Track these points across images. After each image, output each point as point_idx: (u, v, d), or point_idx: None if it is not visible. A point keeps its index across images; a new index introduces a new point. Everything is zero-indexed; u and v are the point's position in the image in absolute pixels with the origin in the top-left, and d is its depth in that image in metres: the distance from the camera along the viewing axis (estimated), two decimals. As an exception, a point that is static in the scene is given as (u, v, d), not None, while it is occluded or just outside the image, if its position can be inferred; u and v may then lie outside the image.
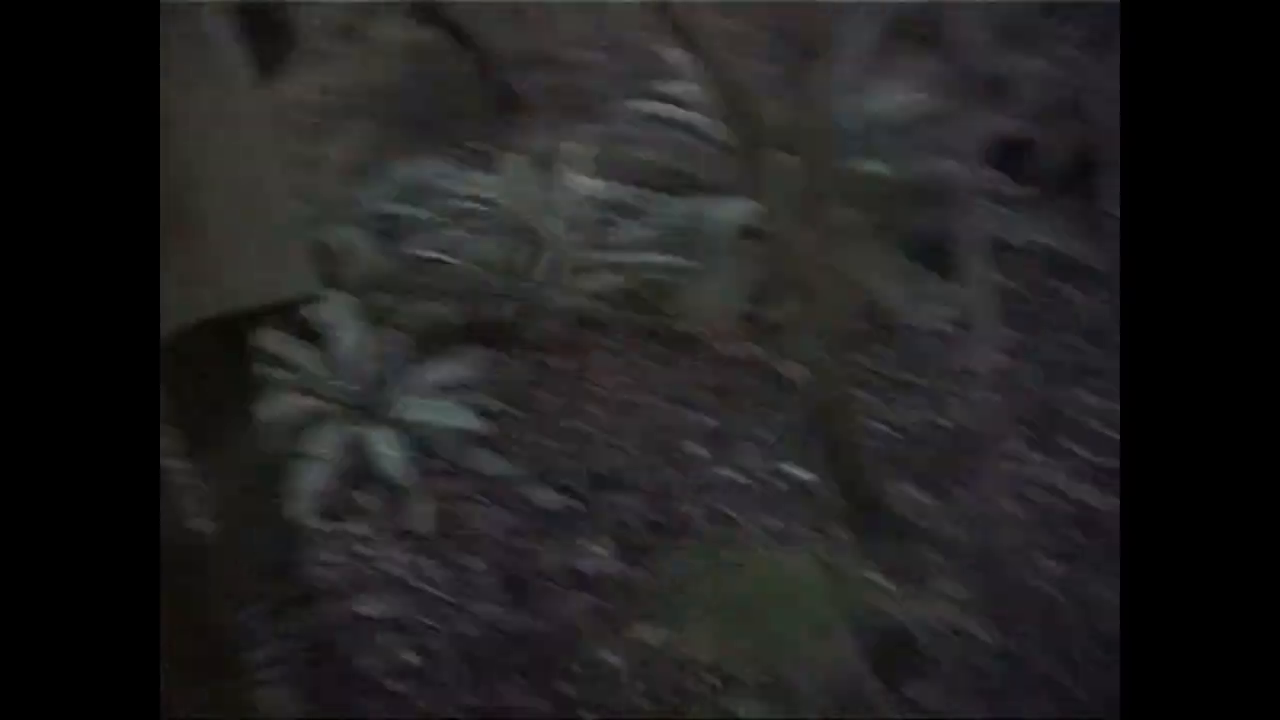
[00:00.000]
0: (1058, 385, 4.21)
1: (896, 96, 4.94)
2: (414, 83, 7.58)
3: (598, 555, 3.65)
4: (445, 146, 6.93)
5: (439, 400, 4.16)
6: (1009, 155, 4.56)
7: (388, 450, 3.93)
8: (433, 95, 7.49)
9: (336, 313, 4.44)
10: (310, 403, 4.09)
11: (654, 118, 5.25)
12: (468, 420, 4.04)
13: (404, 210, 5.19)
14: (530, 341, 4.64)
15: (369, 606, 3.49)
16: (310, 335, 4.34)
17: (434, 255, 4.79)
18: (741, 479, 3.94)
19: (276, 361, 4.04)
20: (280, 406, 3.89)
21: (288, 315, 3.78)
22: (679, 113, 5.12)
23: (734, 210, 4.55)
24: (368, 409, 4.12)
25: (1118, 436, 3.69)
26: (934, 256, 4.51)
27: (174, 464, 2.79)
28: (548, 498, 3.91)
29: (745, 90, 3.26)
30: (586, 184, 5.08)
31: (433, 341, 4.57)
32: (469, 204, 5.22)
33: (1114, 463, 3.66)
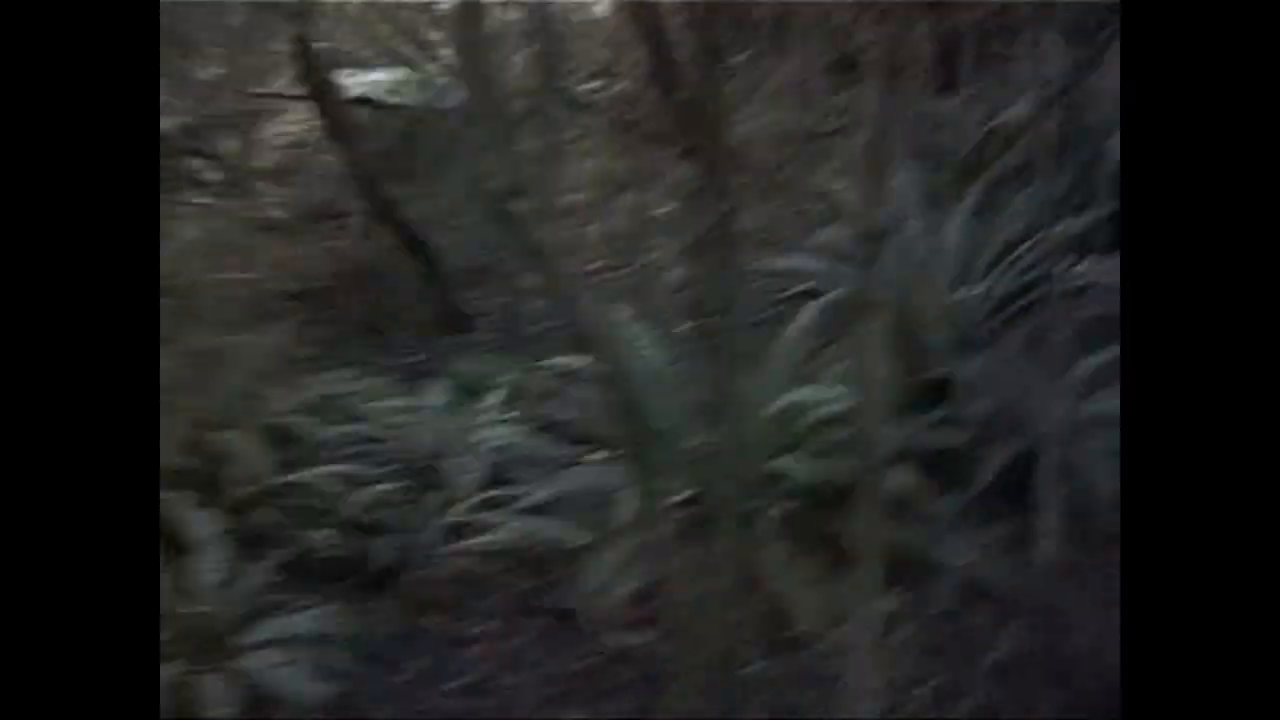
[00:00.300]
0: None
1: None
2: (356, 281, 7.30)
3: None
4: (376, 355, 6.66)
5: (283, 652, 3.71)
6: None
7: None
8: (375, 299, 7.20)
9: (205, 530, 4.07)
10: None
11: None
12: (302, 687, 3.59)
13: (307, 425, 4.86)
14: (405, 594, 4.23)
15: None
16: (177, 547, 3.96)
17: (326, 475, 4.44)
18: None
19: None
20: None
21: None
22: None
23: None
24: (213, 650, 3.69)
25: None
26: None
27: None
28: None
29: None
30: (503, 432, 4.75)
31: (300, 575, 4.19)
32: (377, 430, 4.89)
33: None
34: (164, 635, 3.58)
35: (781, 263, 5.43)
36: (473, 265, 7.48)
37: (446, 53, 10.06)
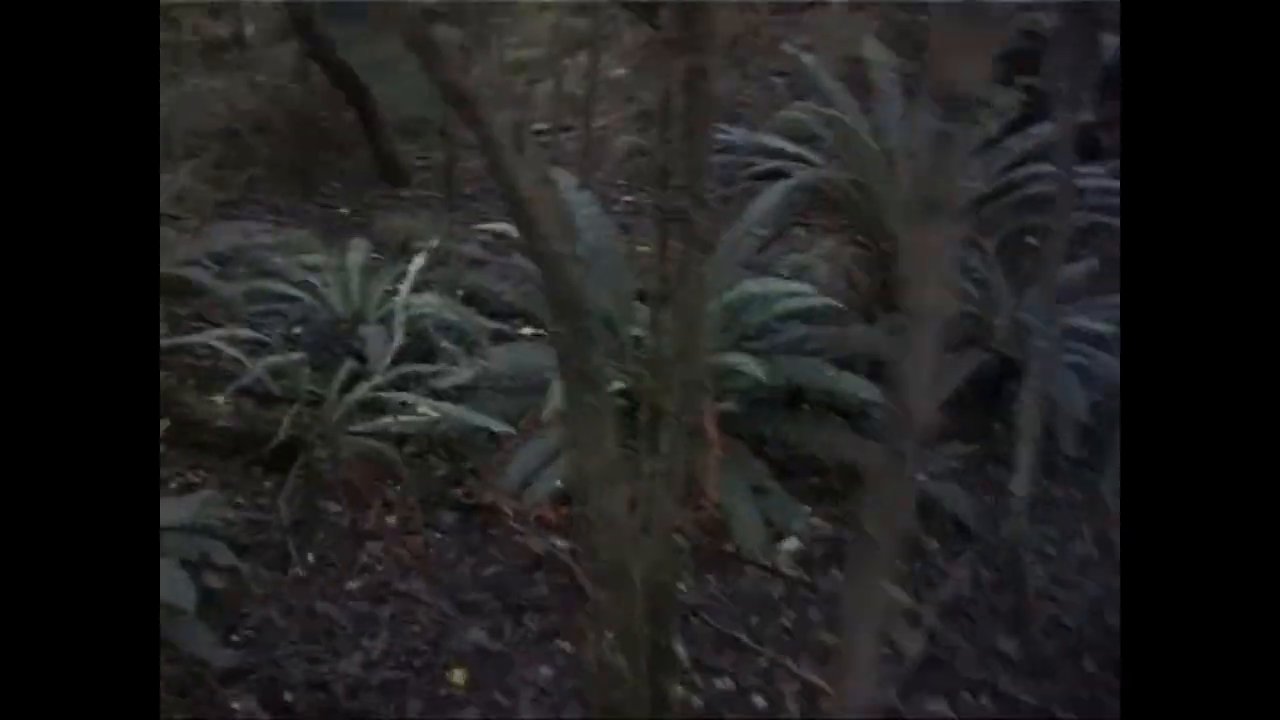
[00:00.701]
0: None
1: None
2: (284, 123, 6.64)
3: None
4: (298, 203, 6.05)
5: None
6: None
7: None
8: (303, 144, 6.56)
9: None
10: None
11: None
12: (178, 590, 3.03)
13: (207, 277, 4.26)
14: (303, 475, 3.68)
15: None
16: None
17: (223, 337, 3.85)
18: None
19: None
20: None
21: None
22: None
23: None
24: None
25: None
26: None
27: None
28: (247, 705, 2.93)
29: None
30: (426, 300, 4.18)
31: (187, 448, 3.66)
32: (287, 288, 4.31)
33: None
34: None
35: (745, 138, 4.85)
36: (412, 118, 6.85)
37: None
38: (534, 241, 2.10)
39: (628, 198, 6.02)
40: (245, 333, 3.79)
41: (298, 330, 4.31)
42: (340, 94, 6.63)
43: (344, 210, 5.93)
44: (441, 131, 5.86)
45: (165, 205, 4.56)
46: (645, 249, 3.68)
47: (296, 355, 3.75)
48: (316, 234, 5.12)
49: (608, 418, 2.49)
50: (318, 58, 6.56)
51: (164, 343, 3.66)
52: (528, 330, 4.39)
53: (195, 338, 3.85)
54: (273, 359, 3.71)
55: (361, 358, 3.95)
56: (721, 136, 4.61)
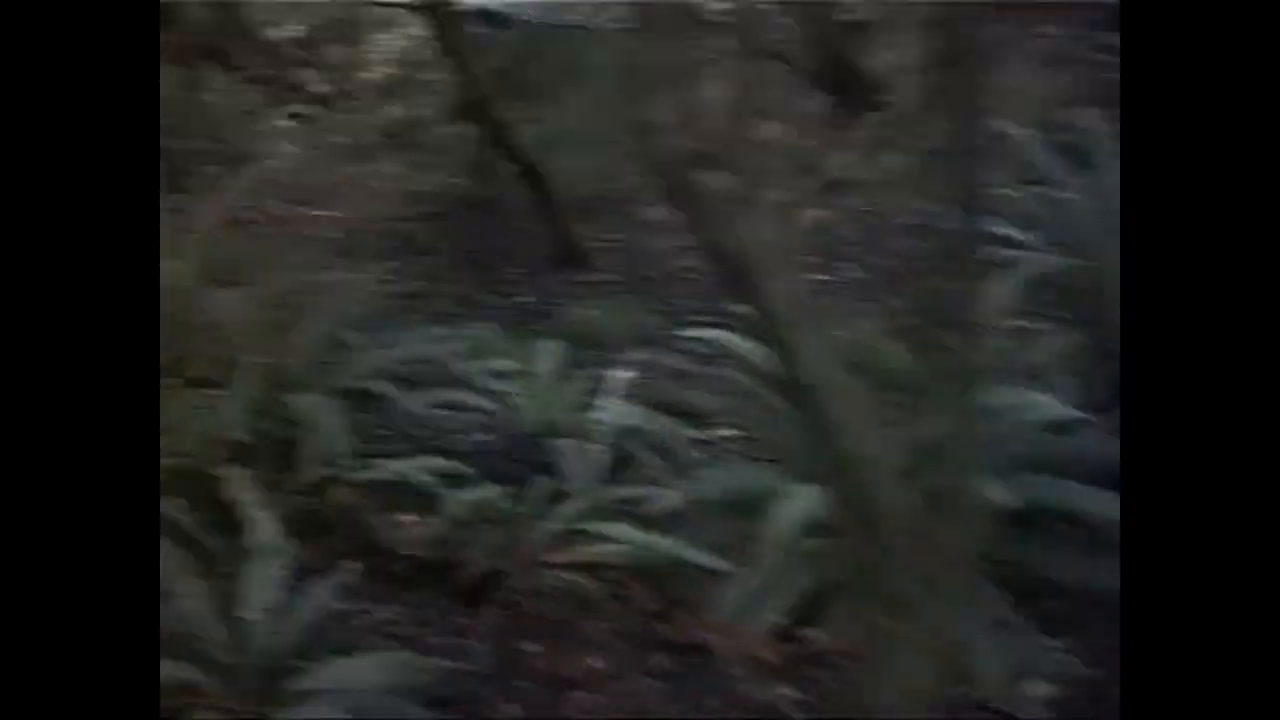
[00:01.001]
0: None
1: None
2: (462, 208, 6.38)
3: None
4: (481, 293, 5.76)
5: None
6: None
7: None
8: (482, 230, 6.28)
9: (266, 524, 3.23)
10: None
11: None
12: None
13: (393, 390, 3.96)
14: (498, 611, 3.33)
15: None
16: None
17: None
18: None
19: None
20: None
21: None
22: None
23: (799, 505, 3.17)
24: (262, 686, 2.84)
25: None
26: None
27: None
28: None
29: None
30: (627, 410, 3.81)
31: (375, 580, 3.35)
32: (476, 398, 3.99)
33: None
34: (197, 672, 2.79)
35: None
36: (591, 195, 6.52)
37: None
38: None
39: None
40: (438, 461, 3.47)
41: (486, 438, 3.99)
42: (514, 174, 6.34)
43: (525, 298, 5.62)
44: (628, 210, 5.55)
45: (348, 308, 4.31)
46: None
47: (491, 488, 3.40)
48: (500, 328, 4.80)
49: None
50: (493, 138, 6.30)
51: (359, 474, 3.41)
52: (732, 438, 3.98)
53: (392, 464, 3.54)
54: (467, 495, 3.37)
55: (555, 474, 3.61)
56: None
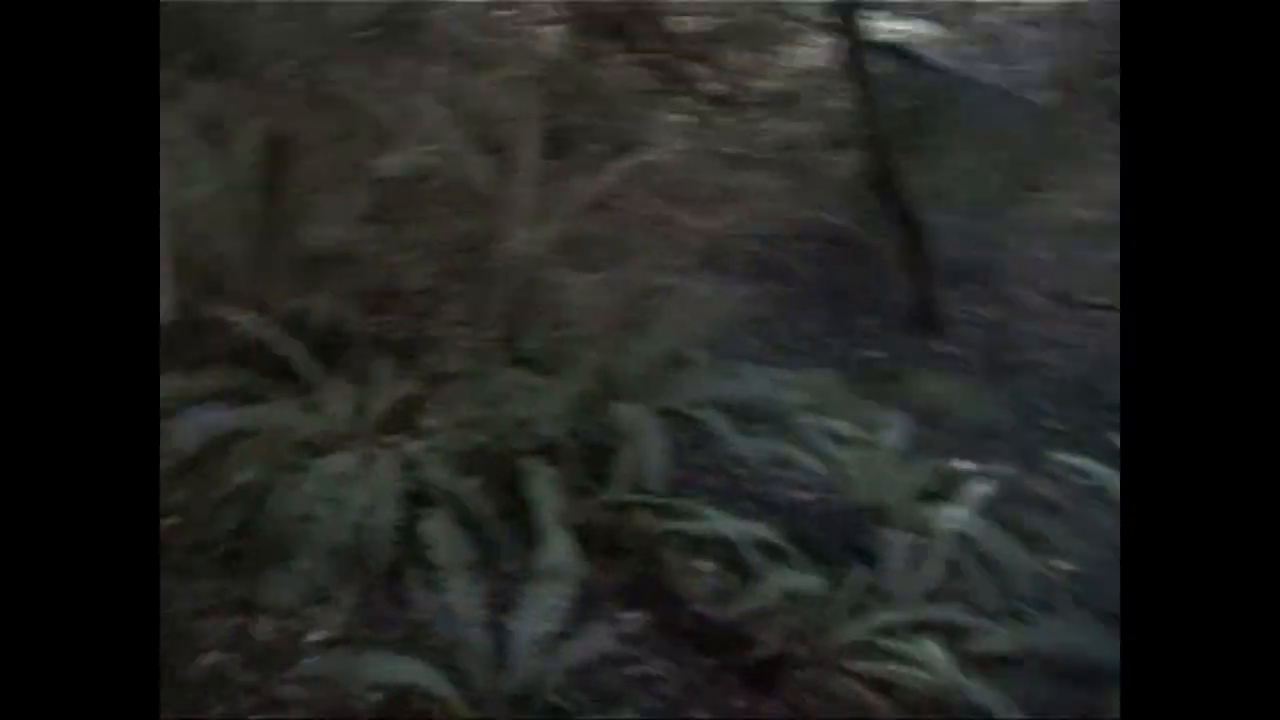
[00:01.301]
0: None
1: None
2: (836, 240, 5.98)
3: None
4: (828, 335, 5.36)
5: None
6: None
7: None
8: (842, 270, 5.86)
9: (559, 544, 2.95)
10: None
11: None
12: None
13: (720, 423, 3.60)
14: (781, 700, 2.92)
15: None
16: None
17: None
18: None
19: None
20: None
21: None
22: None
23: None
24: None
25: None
26: None
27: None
28: None
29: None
30: (971, 521, 3.33)
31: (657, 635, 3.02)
32: (803, 455, 3.60)
33: None
34: (445, 683, 2.51)
35: None
36: (964, 261, 6.01)
37: (989, 20, 8.60)
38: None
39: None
40: (758, 528, 3.10)
41: (806, 497, 3.60)
42: (891, 218, 5.89)
43: (873, 353, 5.18)
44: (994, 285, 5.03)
45: (705, 321, 3.99)
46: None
47: (808, 577, 3.00)
48: (842, 381, 4.38)
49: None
50: (879, 177, 5.87)
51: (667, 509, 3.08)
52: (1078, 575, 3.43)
53: (708, 514, 3.20)
54: (785, 580, 2.98)
55: (875, 564, 3.18)
56: None
